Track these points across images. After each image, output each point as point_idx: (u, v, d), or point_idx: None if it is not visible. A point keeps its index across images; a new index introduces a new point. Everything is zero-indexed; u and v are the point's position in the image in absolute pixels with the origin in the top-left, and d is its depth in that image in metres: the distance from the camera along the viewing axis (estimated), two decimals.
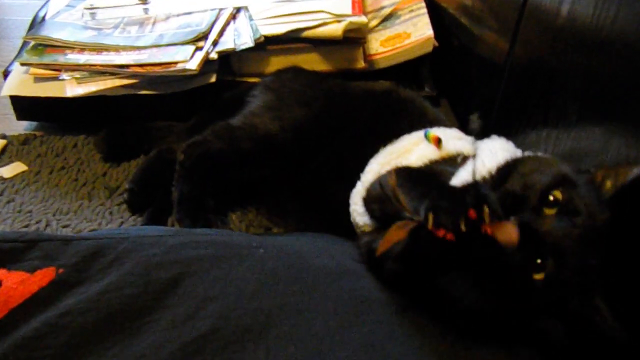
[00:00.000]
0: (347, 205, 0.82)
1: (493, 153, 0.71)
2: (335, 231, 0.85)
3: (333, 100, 1.00)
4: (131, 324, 0.63)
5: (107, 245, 0.70)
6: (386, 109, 0.97)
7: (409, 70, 1.24)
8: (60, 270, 0.67)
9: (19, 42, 1.26)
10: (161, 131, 1.14)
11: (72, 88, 1.09)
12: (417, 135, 0.86)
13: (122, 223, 0.98)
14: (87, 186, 1.06)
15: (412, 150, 0.82)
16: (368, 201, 0.77)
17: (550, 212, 0.60)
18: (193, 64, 1.07)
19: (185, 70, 1.07)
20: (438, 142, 0.82)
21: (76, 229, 0.96)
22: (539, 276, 0.59)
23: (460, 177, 0.68)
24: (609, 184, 0.63)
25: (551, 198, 0.60)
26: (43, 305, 0.64)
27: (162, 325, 0.63)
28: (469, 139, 0.86)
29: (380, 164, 0.82)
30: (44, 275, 0.66)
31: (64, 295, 0.65)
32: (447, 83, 1.30)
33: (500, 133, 0.82)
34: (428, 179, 0.69)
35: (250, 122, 0.97)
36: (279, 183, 0.96)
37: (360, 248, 0.77)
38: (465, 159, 0.74)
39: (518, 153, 0.74)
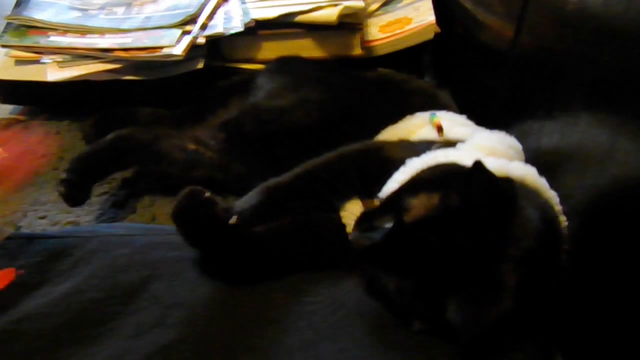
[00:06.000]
0: None
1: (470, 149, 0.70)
2: None
3: (349, 85, 0.97)
4: (92, 331, 0.59)
5: (72, 244, 0.66)
6: (399, 94, 0.95)
7: (408, 57, 1.18)
8: (21, 272, 0.63)
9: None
10: (147, 117, 1.09)
11: (54, 72, 1.04)
12: (422, 118, 0.83)
13: (101, 214, 0.93)
14: None
15: (414, 132, 0.79)
16: None
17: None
18: (179, 49, 1.01)
19: (170, 55, 1.01)
20: (440, 129, 0.80)
21: (53, 221, 0.92)
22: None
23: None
24: None
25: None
26: (0, 309, 0.60)
27: (125, 332, 0.59)
28: (474, 127, 0.84)
29: None
30: (3, 277, 0.63)
31: (23, 299, 0.61)
32: (449, 72, 1.24)
33: (501, 124, 0.77)
34: None
35: (275, 105, 0.93)
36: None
37: None
38: (428, 147, 0.72)
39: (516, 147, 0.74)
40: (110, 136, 0.94)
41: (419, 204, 0.57)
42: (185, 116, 1.07)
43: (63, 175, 0.87)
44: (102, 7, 1.17)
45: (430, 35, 1.15)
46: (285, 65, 1.04)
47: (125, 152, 0.93)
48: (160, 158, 0.95)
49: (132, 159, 0.94)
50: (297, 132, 0.88)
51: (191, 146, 0.96)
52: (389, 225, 0.58)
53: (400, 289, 0.57)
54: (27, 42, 1.08)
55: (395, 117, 0.86)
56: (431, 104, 0.90)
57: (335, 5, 1.07)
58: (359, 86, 0.97)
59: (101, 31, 1.09)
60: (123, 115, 1.09)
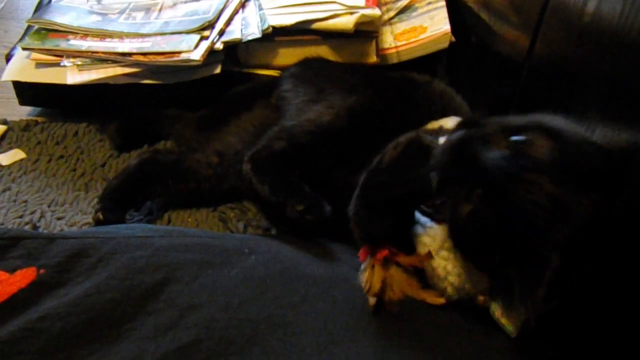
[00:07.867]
0: None
1: None
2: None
3: (375, 87, 0.96)
4: (111, 331, 0.60)
5: (91, 245, 0.67)
6: (424, 98, 0.94)
7: (423, 66, 1.18)
8: (42, 271, 0.64)
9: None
10: (171, 118, 1.11)
11: (73, 75, 1.06)
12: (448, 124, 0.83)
13: None
14: (85, 177, 1.03)
15: None
16: None
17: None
18: (197, 54, 1.03)
19: (188, 60, 1.02)
20: None
21: (71, 222, 0.93)
22: (467, 207, 0.57)
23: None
24: None
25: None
26: (21, 307, 0.61)
27: (143, 333, 0.60)
28: None
29: None
30: (24, 276, 0.64)
31: (44, 298, 0.62)
32: (463, 81, 1.24)
33: None
34: None
35: (303, 118, 0.92)
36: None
37: None
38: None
39: None
40: (134, 162, 0.95)
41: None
42: (208, 120, 1.06)
43: (98, 207, 0.89)
44: (121, 12, 1.19)
45: (445, 44, 1.16)
46: (307, 69, 1.04)
47: (152, 176, 0.94)
48: (188, 177, 0.95)
49: (161, 181, 0.94)
50: (326, 138, 0.88)
51: (214, 159, 0.95)
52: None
53: None
54: (48, 45, 1.10)
55: (418, 121, 0.85)
56: (454, 109, 0.91)
57: (352, 13, 1.08)
58: (388, 90, 0.96)
59: (120, 35, 1.11)
60: (147, 117, 1.12)
